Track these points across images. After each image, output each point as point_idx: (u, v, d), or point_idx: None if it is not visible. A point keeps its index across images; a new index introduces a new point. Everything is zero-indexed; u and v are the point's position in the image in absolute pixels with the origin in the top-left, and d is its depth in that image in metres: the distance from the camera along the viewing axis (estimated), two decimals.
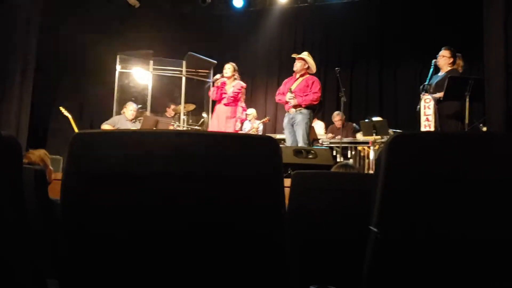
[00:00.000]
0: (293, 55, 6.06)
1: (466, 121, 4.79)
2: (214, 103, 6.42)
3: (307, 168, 4.21)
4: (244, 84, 6.24)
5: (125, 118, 6.97)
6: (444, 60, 5.24)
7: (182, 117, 7.79)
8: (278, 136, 7.20)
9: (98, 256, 1.01)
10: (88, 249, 1.01)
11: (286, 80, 6.02)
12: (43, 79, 6.84)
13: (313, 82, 5.71)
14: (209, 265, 0.99)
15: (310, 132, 5.83)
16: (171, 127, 7.20)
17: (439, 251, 0.94)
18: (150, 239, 0.99)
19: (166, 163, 0.97)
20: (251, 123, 8.14)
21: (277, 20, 9.70)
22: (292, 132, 5.74)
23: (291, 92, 5.69)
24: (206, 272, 0.99)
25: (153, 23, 8.54)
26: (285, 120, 5.84)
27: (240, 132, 6.92)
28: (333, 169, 2.77)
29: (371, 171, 6.38)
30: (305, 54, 5.91)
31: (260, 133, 8.17)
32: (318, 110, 6.61)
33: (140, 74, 8.31)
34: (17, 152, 1.03)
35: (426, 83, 5.25)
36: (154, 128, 6.15)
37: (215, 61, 8.02)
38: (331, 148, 6.60)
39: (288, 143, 5.76)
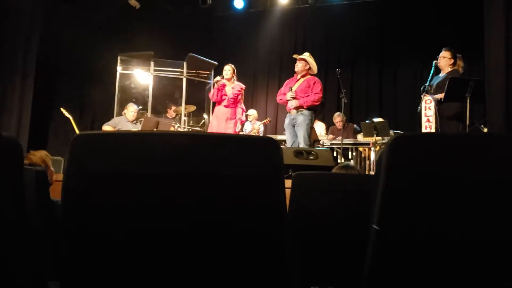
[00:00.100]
0: (295, 56, 6.06)
1: (467, 122, 4.79)
2: (214, 104, 6.43)
3: (308, 169, 4.21)
4: (243, 86, 6.25)
5: (126, 119, 6.97)
6: (444, 61, 5.24)
7: (183, 118, 7.80)
8: (279, 137, 7.21)
9: (99, 256, 1.01)
10: (89, 249, 1.01)
11: (287, 81, 6.02)
12: (44, 80, 6.85)
13: (314, 83, 5.71)
14: (209, 266, 0.99)
15: (311, 133, 5.82)
16: (171, 128, 7.21)
17: (440, 251, 0.94)
18: (151, 240, 0.99)
19: (167, 164, 0.97)
20: (252, 124, 8.15)
21: (277, 21, 9.71)
22: (293, 133, 5.73)
23: (292, 90, 5.69)
24: (207, 272, 1.00)
25: (154, 24, 8.55)
26: (286, 121, 5.83)
27: (241, 133, 6.93)
28: (334, 171, 2.77)
29: (372, 172, 6.39)
30: (306, 55, 5.91)
31: (261, 134, 8.17)
32: (320, 111, 6.60)
33: (141, 75, 8.32)
34: (18, 153, 1.03)
35: (427, 84, 5.26)
36: (155, 129, 6.16)
37: (216, 63, 8.03)
38: (332, 149, 6.60)
39: (288, 143, 5.76)
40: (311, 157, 4.62)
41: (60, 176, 3.73)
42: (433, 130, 4.97)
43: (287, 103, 5.79)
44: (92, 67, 7.92)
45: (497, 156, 0.93)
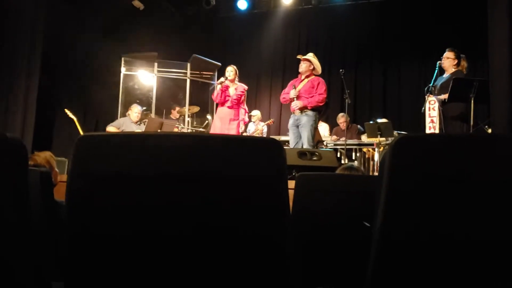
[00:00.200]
0: (299, 56, 6.05)
1: (471, 122, 4.77)
2: (217, 105, 6.44)
3: (311, 170, 4.21)
4: (246, 87, 6.26)
5: (130, 120, 6.99)
6: (448, 61, 5.23)
7: (187, 119, 7.81)
8: (282, 138, 7.21)
9: (103, 257, 1.01)
10: (93, 250, 1.01)
11: (291, 81, 6.02)
12: (48, 81, 6.87)
13: (318, 83, 5.70)
14: (212, 267, 0.99)
15: (315, 134, 5.81)
16: (175, 129, 7.22)
17: (443, 252, 0.94)
18: (154, 241, 0.99)
19: (171, 166, 0.98)
20: (256, 125, 8.16)
21: (281, 22, 9.71)
22: (297, 133, 5.72)
23: (295, 88, 5.69)
24: (211, 273, 1.00)
25: (158, 25, 8.57)
26: (290, 121, 5.83)
27: (244, 134, 6.94)
28: (337, 172, 2.76)
29: (376, 173, 6.37)
30: (310, 55, 5.90)
31: (265, 135, 8.18)
32: (323, 112, 6.60)
33: (145, 76, 8.34)
34: (23, 154, 1.04)
35: (431, 84, 5.24)
36: (159, 130, 6.17)
37: (220, 63, 8.04)
38: (336, 150, 6.59)
39: (292, 144, 5.76)
40: (315, 158, 4.61)
41: (64, 177, 3.74)
42: (437, 131, 4.95)
43: (290, 101, 5.78)
44: (96, 68, 7.94)
45: (501, 157, 0.93)
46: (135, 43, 8.11)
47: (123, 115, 7.51)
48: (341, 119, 7.56)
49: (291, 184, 1.76)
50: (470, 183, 0.93)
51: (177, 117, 8.18)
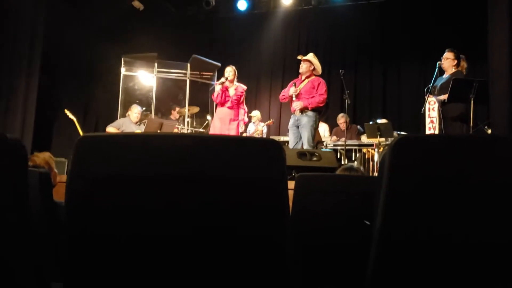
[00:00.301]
0: (299, 57, 6.04)
1: (471, 123, 4.77)
2: (217, 105, 6.44)
3: (311, 171, 4.21)
4: (245, 87, 6.26)
5: (130, 121, 6.99)
6: (448, 62, 5.23)
7: (187, 119, 7.81)
8: (282, 139, 7.21)
9: (102, 259, 1.01)
10: (92, 251, 1.01)
11: (292, 82, 6.01)
12: (48, 81, 6.88)
13: (319, 84, 5.70)
14: (212, 268, 0.99)
15: (315, 135, 5.81)
16: (175, 130, 7.22)
17: (443, 253, 0.94)
18: (154, 242, 0.99)
19: (171, 166, 0.98)
20: (256, 125, 8.16)
21: (281, 23, 9.71)
22: (297, 134, 5.72)
23: (295, 86, 5.70)
24: (211, 274, 1.00)
25: (158, 25, 8.57)
26: (291, 122, 5.82)
27: (244, 134, 6.94)
28: (337, 172, 2.76)
29: (375, 174, 6.37)
30: (310, 56, 5.89)
31: (265, 135, 8.18)
32: (323, 112, 6.60)
33: (145, 77, 8.34)
34: (23, 155, 1.04)
35: (431, 85, 5.24)
36: (159, 131, 6.16)
37: (219, 64, 8.03)
38: (336, 151, 6.59)
39: (291, 144, 5.75)
40: (315, 159, 4.61)
41: (63, 178, 3.75)
42: (436, 131, 4.95)
43: (289, 99, 5.77)
44: (96, 69, 7.95)
45: (500, 158, 0.93)
46: (135, 44, 8.11)
47: (123, 115, 7.50)
48: (341, 119, 7.56)
49: (291, 184, 1.76)
50: (470, 184, 0.93)
51: (177, 117, 8.18)
